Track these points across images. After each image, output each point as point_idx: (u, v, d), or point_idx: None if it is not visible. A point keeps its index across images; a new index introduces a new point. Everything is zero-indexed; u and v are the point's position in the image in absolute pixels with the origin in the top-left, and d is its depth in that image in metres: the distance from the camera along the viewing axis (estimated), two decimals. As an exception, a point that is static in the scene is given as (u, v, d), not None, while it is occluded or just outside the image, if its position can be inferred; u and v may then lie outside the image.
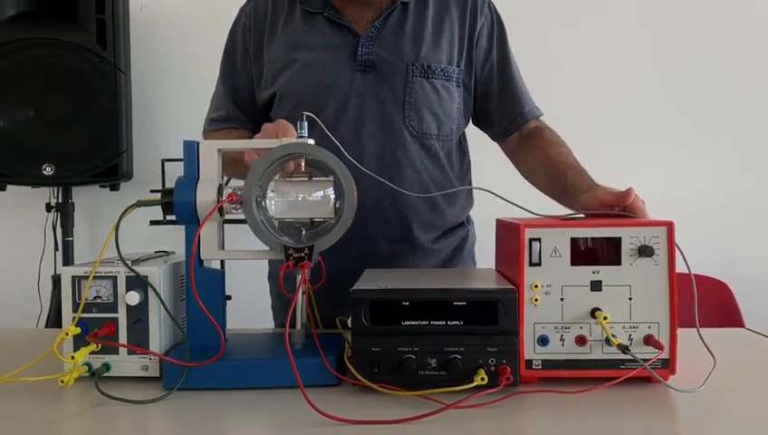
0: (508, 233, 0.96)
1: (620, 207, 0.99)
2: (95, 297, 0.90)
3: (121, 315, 0.90)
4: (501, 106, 1.37)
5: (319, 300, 1.02)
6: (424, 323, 0.85)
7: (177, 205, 0.92)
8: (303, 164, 0.94)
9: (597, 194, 1.04)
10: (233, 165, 1.15)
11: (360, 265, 1.09)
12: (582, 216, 1.02)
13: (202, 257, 0.94)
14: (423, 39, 1.28)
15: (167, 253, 1.05)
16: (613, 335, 0.85)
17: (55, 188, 2.35)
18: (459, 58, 1.31)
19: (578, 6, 2.51)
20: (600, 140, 2.41)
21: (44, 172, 2.17)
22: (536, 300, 0.87)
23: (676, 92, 2.53)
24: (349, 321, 0.88)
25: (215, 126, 1.38)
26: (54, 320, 2.19)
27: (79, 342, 0.89)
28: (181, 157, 0.94)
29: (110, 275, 0.90)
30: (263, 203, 0.93)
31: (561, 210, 1.12)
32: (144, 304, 0.90)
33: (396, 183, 1.15)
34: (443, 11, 1.31)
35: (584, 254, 0.88)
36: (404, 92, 1.26)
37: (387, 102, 1.26)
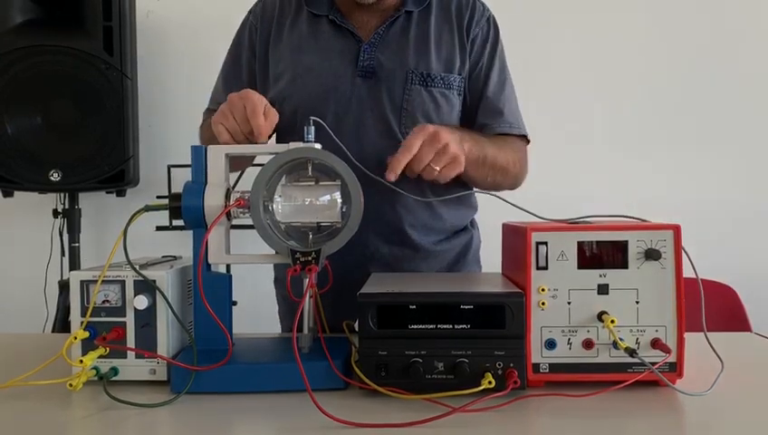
0: (515, 237, 0.96)
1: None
2: (103, 301, 0.90)
3: (129, 319, 0.90)
4: (480, 116, 1.34)
5: (322, 304, 1.03)
6: (431, 326, 0.85)
7: (185, 209, 0.92)
8: (310, 168, 0.94)
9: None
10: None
11: (362, 270, 1.09)
12: (589, 220, 1.02)
13: (210, 262, 0.94)
14: (425, 47, 1.29)
15: (174, 257, 1.06)
16: (620, 339, 0.85)
17: (62, 194, 2.36)
18: (461, 66, 1.32)
19: (580, 9, 2.51)
20: (605, 145, 2.42)
21: (51, 178, 2.18)
22: (543, 304, 0.87)
23: (680, 96, 2.53)
24: (356, 325, 0.89)
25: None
26: (60, 325, 2.19)
27: (87, 346, 0.89)
28: (187, 163, 0.95)
29: (118, 279, 0.91)
30: (270, 207, 0.94)
31: (568, 214, 1.12)
32: (152, 309, 0.90)
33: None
34: (444, 20, 1.32)
35: (591, 257, 0.88)
36: (402, 100, 1.26)
37: (386, 109, 1.26)
